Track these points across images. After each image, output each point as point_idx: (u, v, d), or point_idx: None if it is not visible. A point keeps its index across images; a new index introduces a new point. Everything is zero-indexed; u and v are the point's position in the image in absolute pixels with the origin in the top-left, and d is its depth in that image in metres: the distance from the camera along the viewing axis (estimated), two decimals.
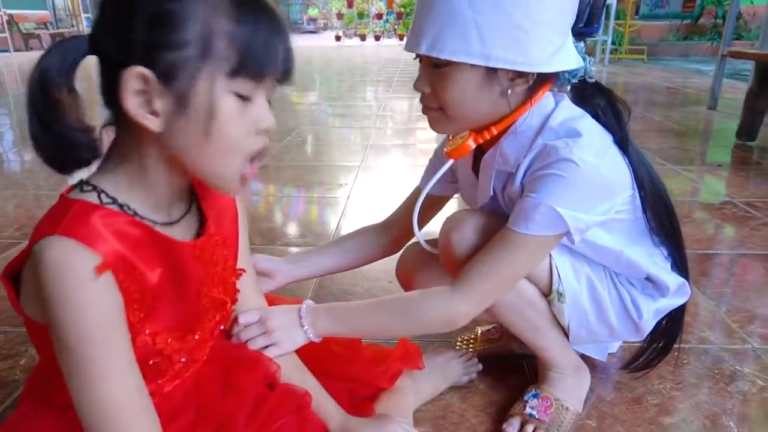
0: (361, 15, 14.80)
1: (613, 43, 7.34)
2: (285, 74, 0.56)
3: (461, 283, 0.75)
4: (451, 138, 0.83)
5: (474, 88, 0.71)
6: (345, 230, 1.70)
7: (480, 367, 0.99)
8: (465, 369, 0.97)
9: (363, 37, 14.35)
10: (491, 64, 0.68)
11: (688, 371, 1.01)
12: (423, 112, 0.78)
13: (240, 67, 0.51)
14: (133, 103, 0.51)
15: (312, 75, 6.47)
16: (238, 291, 0.72)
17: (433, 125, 0.79)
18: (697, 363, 1.03)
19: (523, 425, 0.85)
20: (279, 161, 2.51)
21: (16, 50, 9.62)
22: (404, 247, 1.02)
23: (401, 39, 13.60)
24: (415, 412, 0.88)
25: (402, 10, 13.94)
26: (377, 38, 14.39)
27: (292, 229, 1.77)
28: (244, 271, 0.73)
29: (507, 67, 0.69)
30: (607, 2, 6.25)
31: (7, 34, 9.39)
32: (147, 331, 0.58)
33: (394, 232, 1.01)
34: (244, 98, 0.53)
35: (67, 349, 0.51)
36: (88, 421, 0.52)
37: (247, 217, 0.77)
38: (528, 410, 0.86)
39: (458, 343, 1.07)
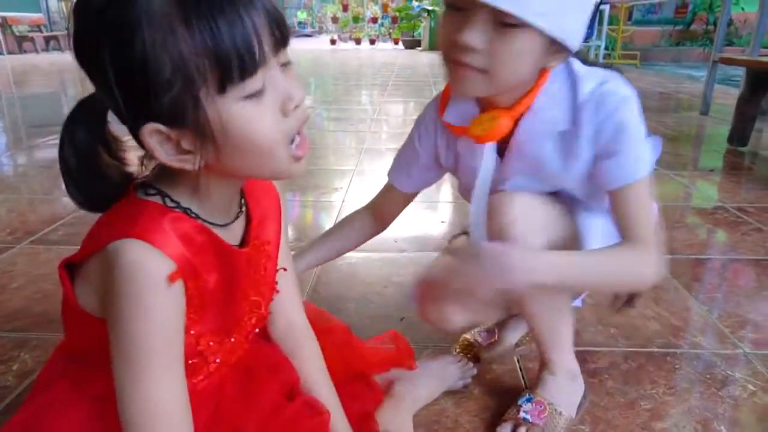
0: (356, 19, 14.82)
1: (606, 48, 7.38)
2: (282, 38, 0.52)
3: (641, 244, 0.73)
4: (473, 124, 0.77)
5: (531, 55, 0.68)
6: None
7: (475, 371, 1.00)
8: (461, 373, 0.97)
9: (358, 41, 14.38)
10: (561, 36, 0.66)
11: (680, 376, 1.02)
12: (451, 68, 0.71)
13: (227, 77, 0.48)
14: (162, 154, 0.51)
15: (307, 78, 6.47)
16: (277, 291, 0.72)
17: (464, 85, 0.71)
18: (689, 368, 1.04)
19: (515, 429, 0.85)
20: None
21: (10, 53, 9.59)
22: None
23: (396, 43, 13.63)
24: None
25: (397, 14, 13.97)
26: (372, 42, 14.43)
27: (288, 233, 1.77)
28: (284, 269, 0.73)
29: (570, 42, 0.67)
30: (600, 8, 6.30)
31: (0, 37, 9.35)
32: (192, 332, 0.58)
33: (385, 220, 1.03)
34: (255, 95, 0.51)
35: (125, 346, 0.51)
36: (129, 417, 0.52)
37: None
38: (522, 414, 0.86)
39: (457, 350, 1.07)
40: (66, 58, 9.55)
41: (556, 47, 0.69)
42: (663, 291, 1.31)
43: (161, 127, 0.49)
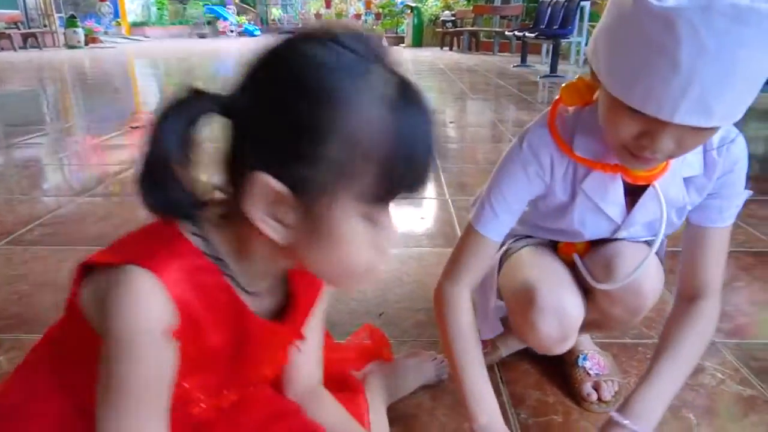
0: (339, 15, 14.80)
1: (586, 44, 7.45)
2: (420, 186, 0.50)
3: (711, 291, 0.82)
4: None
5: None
6: None
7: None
8: (437, 369, 0.99)
9: None
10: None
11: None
12: (636, 158, 0.67)
13: (377, 195, 0.47)
14: (256, 210, 0.47)
15: None
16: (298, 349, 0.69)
17: (644, 167, 0.71)
18: None
19: (596, 387, 0.94)
20: None
21: None
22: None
23: None
24: (387, 410, 0.89)
25: (380, 10, 13.98)
26: None
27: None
28: (302, 338, 0.68)
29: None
30: (581, 4, 6.35)
31: None
32: (186, 385, 0.56)
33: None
34: (374, 221, 0.50)
35: (110, 376, 0.50)
36: None
37: None
38: (592, 371, 0.96)
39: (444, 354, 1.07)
40: (44, 55, 9.41)
41: None
42: None
43: (279, 186, 0.45)
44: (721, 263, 0.81)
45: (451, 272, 0.83)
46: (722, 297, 1.31)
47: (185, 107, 0.47)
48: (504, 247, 0.92)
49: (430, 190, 2.11)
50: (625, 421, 0.73)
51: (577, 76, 0.75)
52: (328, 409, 0.72)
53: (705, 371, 1.02)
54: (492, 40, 9.97)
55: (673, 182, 0.76)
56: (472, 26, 10.25)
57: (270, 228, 0.48)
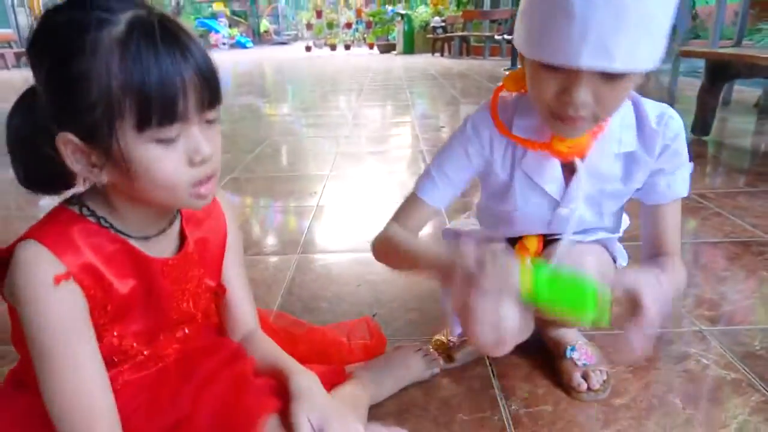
0: (330, 25, 14.87)
1: None
2: (206, 103, 0.57)
3: (674, 258, 0.87)
4: (555, 140, 0.79)
5: (629, 90, 0.72)
6: (315, 237, 1.73)
7: (441, 362, 1.03)
8: (427, 364, 1.01)
9: (333, 47, 14.42)
10: (655, 65, 0.68)
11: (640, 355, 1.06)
12: (557, 120, 0.73)
13: (145, 120, 0.54)
14: (72, 162, 0.56)
15: (284, 86, 6.49)
16: (224, 290, 0.78)
17: (574, 131, 0.75)
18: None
19: (585, 377, 0.95)
20: (250, 172, 2.53)
21: None
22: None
23: (371, 47, 13.69)
24: (378, 406, 0.91)
25: (371, 19, 14.04)
26: (347, 47, 14.46)
27: (262, 239, 1.79)
28: (222, 289, 0.78)
29: (656, 66, 0.69)
30: None
31: None
32: (115, 333, 0.64)
33: None
34: (166, 141, 0.56)
35: (33, 344, 0.57)
36: (52, 411, 0.57)
37: None
38: (580, 362, 0.97)
39: (431, 349, 1.08)
40: None
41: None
42: None
43: (75, 139, 0.55)
44: (678, 231, 0.88)
45: (388, 223, 0.93)
46: (707, 284, 1.34)
47: (26, 98, 0.59)
48: None
49: None
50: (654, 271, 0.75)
51: (519, 66, 0.80)
52: (266, 348, 0.79)
53: (691, 357, 1.05)
54: (482, 44, 10.03)
55: (603, 158, 0.82)
56: (463, 31, 10.31)
57: (90, 174, 0.58)
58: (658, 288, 0.71)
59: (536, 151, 0.82)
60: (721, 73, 2.81)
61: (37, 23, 0.56)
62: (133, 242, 0.64)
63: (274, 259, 1.58)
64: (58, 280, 0.56)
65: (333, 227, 1.85)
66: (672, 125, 0.82)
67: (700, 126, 2.90)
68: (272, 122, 4.08)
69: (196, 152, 0.58)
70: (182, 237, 0.71)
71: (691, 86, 4.46)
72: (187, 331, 0.74)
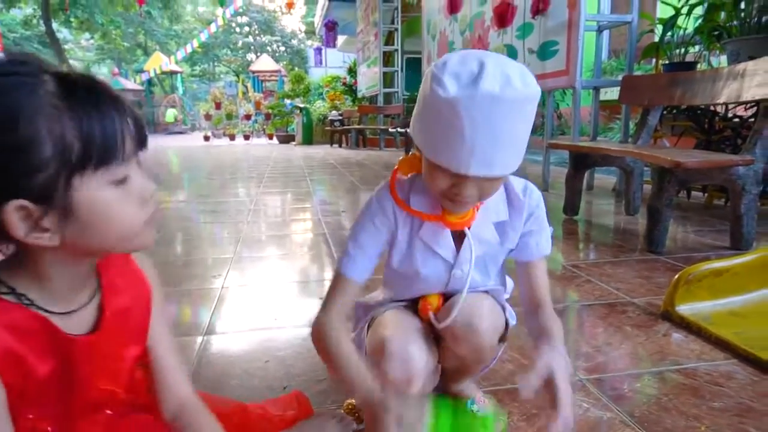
0: (229, 116, 15.09)
1: None
2: (140, 141, 0.62)
3: (546, 303, 1.00)
4: (446, 213, 0.92)
5: (504, 180, 0.91)
6: (221, 317, 1.72)
7: (355, 425, 1.07)
8: (342, 428, 1.04)
9: (232, 137, 14.57)
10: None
11: (530, 405, 1.18)
12: (453, 202, 0.87)
13: (100, 161, 0.56)
14: (21, 233, 0.55)
15: (180, 175, 6.41)
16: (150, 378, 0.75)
17: (462, 209, 0.90)
18: (535, 398, 1.20)
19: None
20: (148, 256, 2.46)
21: None
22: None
23: (270, 138, 14.02)
24: None
25: (270, 111, 14.47)
26: (247, 138, 14.68)
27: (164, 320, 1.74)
28: (146, 360, 0.75)
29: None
30: None
31: None
32: (30, 416, 0.60)
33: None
34: (120, 182, 0.59)
35: None
36: None
37: None
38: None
39: (344, 412, 1.13)
40: None
41: None
42: (516, 338, 1.51)
43: (27, 203, 0.54)
44: (547, 283, 1.04)
45: (322, 308, 0.98)
46: (583, 339, 1.51)
47: None
48: (372, 313, 1.08)
49: (326, 271, 2.21)
50: (555, 345, 0.88)
51: (411, 153, 0.95)
52: (205, 425, 0.77)
53: (573, 403, 1.17)
54: (377, 136, 10.68)
55: (485, 227, 0.98)
56: (359, 124, 10.94)
57: (41, 239, 0.56)
58: (566, 367, 0.85)
59: (431, 222, 0.95)
60: (582, 162, 3.27)
61: None
62: (54, 320, 0.62)
63: (179, 340, 1.55)
64: None
65: (239, 307, 1.85)
66: (534, 195, 0.99)
67: (569, 206, 3.30)
68: (169, 210, 4.00)
69: (144, 189, 0.61)
70: (101, 311, 0.69)
71: (561, 174, 5.08)
72: (109, 412, 0.71)
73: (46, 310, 0.61)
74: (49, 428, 0.63)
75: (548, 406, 0.80)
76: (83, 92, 0.57)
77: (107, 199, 0.58)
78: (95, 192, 0.56)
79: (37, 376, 0.59)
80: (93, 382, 0.67)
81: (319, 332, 0.95)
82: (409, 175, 0.97)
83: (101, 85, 0.60)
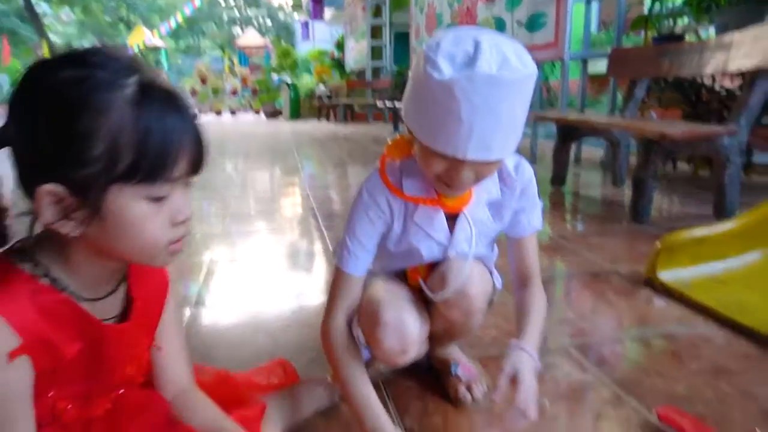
0: (215, 91, 14.87)
1: None
2: (195, 167, 0.62)
3: (535, 277, 1.04)
4: (443, 197, 0.92)
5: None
6: (209, 290, 1.73)
7: (340, 392, 1.09)
8: (329, 393, 1.07)
9: (219, 112, 14.40)
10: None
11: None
12: (449, 186, 0.86)
13: (145, 177, 0.56)
14: (47, 216, 0.55)
15: None
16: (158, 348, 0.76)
17: (458, 192, 0.90)
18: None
19: (469, 389, 1.07)
20: None
21: None
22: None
23: (257, 113, 13.88)
24: None
25: (256, 87, 14.30)
26: (233, 113, 14.51)
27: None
28: (156, 346, 0.76)
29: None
30: None
31: None
32: (50, 395, 0.61)
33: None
34: (157, 199, 0.58)
35: None
36: None
37: None
38: (464, 376, 1.10)
39: (330, 377, 1.14)
40: None
41: None
42: (500, 304, 1.53)
43: (61, 190, 0.54)
44: (537, 257, 1.05)
45: (329, 309, 0.97)
46: (568, 308, 1.55)
47: None
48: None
49: (315, 245, 2.22)
50: (523, 345, 0.91)
51: (397, 135, 0.94)
52: (202, 410, 0.78)
53: (556, 367, 1.21)
54: (366, 111, 10.60)
55: (478, 206, 0.97)
56: (347, 99, 10.85)
57: (66, 227, 0.56)
58: (531, 362, 0.89)
59: (425, 206, 0.94)
60: (569, 134, 3.28)
61: (25, 78, 0.56)
62: (84, 305, 0.62)
63: None
64: (12, 357, 0.54)
65: (227, 281, 1.86)
66: (526, 172, 0.98)
67: (557, 178, 3.32)
68: None
69: (179, 212, 0.61)
70: (128, 298, 0.70)
71: (549, 147, 5.09)
72: (122, 392, 0.72)
73: (78, 295, 0.61)
74: (69, 406, 0.64)
75: (515, 398, 0.84)
76: (157, 105, 0.57)
77: (138, 212, 0.58)
78: (128, 201, 0.56)
79: (65, 358, 0.60)
80: (120, 368, 0.68)
81: (326, 336, 0.96)
82: (398, 159, 0.94)
83: (180, 102, 0.59)
